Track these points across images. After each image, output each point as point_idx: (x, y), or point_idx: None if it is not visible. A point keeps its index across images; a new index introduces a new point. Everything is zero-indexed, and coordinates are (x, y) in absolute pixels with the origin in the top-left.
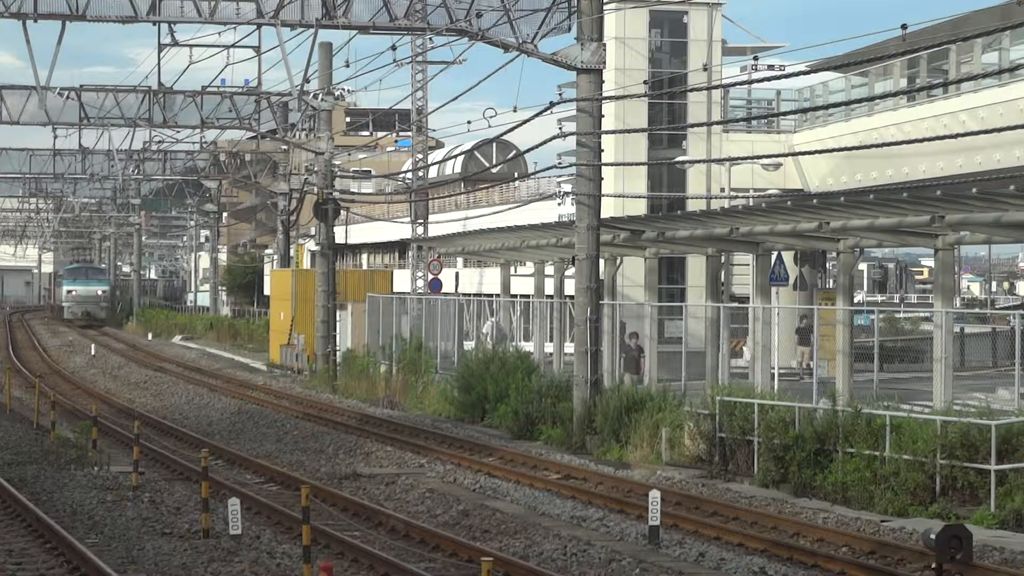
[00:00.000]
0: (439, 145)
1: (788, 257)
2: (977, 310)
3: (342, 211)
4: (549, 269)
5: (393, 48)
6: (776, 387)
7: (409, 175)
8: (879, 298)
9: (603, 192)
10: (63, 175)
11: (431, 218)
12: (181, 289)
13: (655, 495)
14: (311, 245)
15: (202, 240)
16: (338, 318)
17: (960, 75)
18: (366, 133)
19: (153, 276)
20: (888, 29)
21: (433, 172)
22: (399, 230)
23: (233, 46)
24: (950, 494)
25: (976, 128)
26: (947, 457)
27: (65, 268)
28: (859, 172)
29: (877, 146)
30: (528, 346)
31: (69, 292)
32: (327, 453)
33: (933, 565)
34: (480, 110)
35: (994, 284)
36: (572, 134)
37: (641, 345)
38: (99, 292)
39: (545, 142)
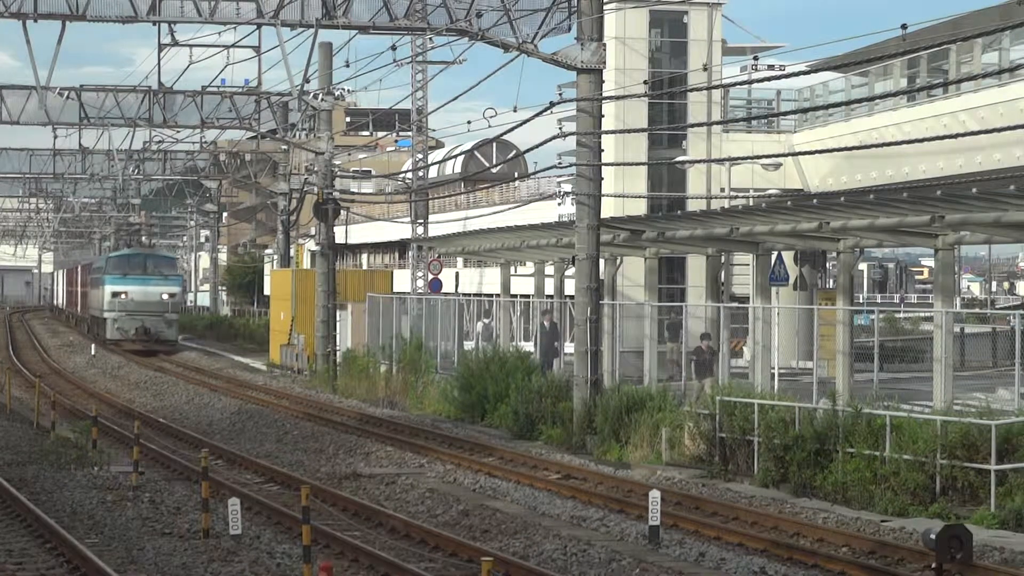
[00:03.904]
0: (439, 145)
1: (788, 257)
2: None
3: (342, 211)
4: (549, 269)
5: (393, 48)
6: (776, 387)
7: (409, 175)
8: (878, 298)
9: (603, 192)
10: (63, 175)
11: (431, 218)
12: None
13: (655, 495)
14: (311, 245)
15: (202, 240)
16: (338, 318)
17: (960, 75)
18: (366, 133)
19: None
20: (888, 29)
21: (433, 172)
22: (399, 230)
23: (233, 46)
24: (950, 494)
25: (976, 128)
26: (947, 457)
27: (108, 257)
28: (859, 172)
29: (877, 146)
30: (528, 346)
31: (116, 296)
32: (327, 453)
33: (933, 565)
34: (480, 110)
35: (994, 284)
36: (572, 134)
37: (714, 347)
38: (165, 296)
39: (545, 142)
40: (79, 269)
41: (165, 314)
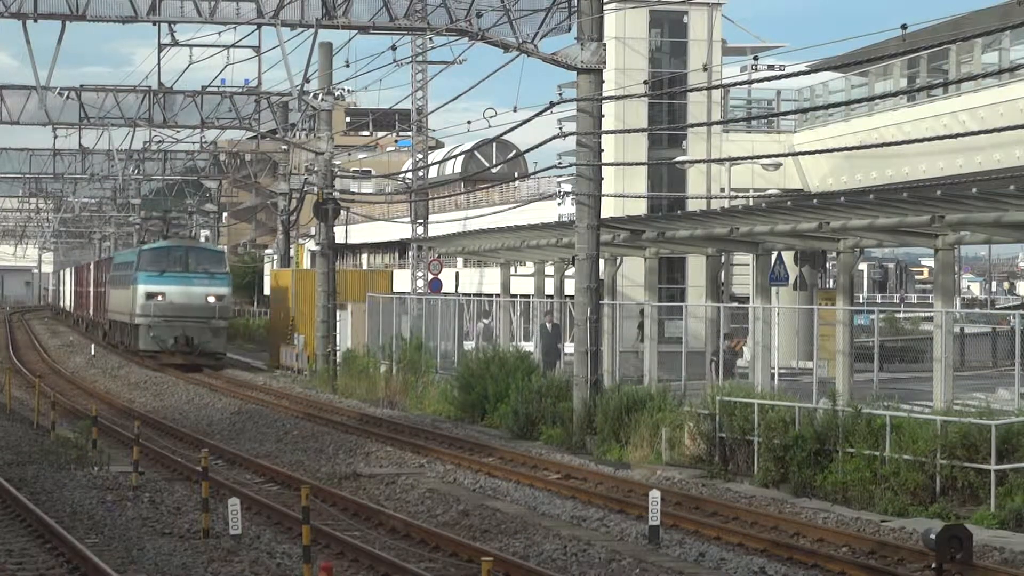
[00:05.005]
0: (439, 145)
1: (788, 257)
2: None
3: (342, 211)
4: (549, 269)
5: (393, 48)
6: (776, 387)
7: (409, 175)
8: (878, 298)
9: (603, 192)
10: (63, 175)
11: (431, 218)
12: None
13: (655, 495)
14: (311, 245)
15: (202, 240)
16: (338, 318)
17: (960, 75)
18: (366, 133)
19: None
20: (888, 29)
21: (433, 172)
22: (399, 230)
23: (233, 46)
24: (950, 494)
25: (976, 128)
26: (947, 457)
27: (142, 250)
28: (859, 172)
29: (877, 146)
30: (528, 346)
31: (152, 298)
32: (327, 453)
33: (933, 565)
34: (480, 110)
35: (994, 284)
36: (572, 134)
37: (734, 347)
38: (211, 298)
39: (545, 142)
40: (92, 266)
41: (211, 320)
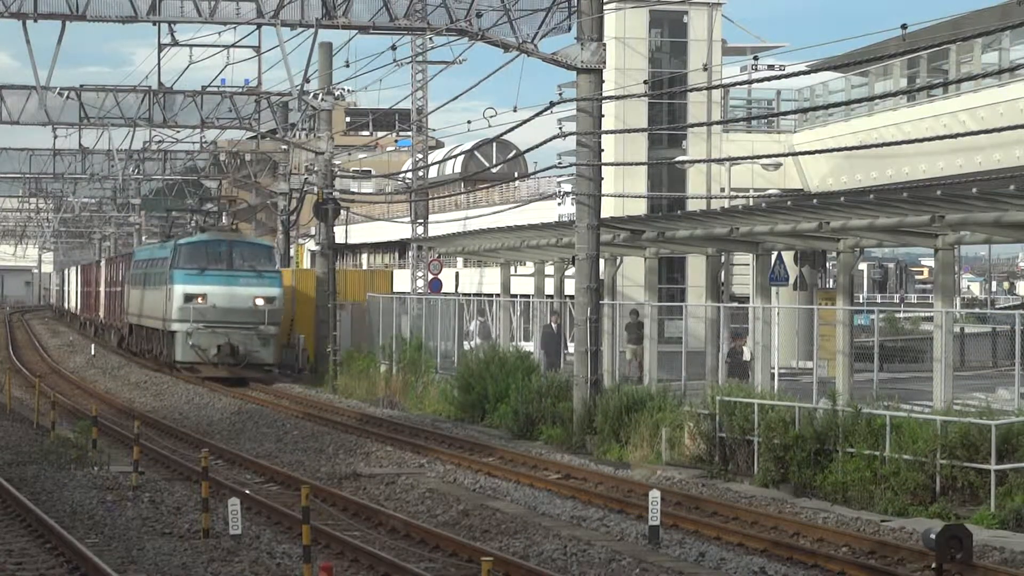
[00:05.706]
0: (439, 145)
1: (788, 257)
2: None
3: (342, 211)
4: (549, 269)
5: (393, 48)
6: (776, 387)
7: (409, 175)
8: (878, 298)
9: (603, 192)
10: (63, 175)
11: (431, 218)
12: None
13: (655, 495)
14: (311, 245)
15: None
16: (338, 318)
17: (960, 75)
18: (366, 133)
19: None
20: (888, 29)
21: (433, 172)
22: (399, 230)
23: (233, 46)
24: (950, 494)
25: (976, 128)
26: (947, 457)
27: (179, 244)
28: (859, 172)
29: (877, 146)
30: (528, 346)
31: (191, 300)
32: (327, 453)
33: (933, 565)
34: (480, 110)
35: (994, 284)
36: (572, 134)
37: (746, 348)
38: (259, 301)
39: (545, 142)
40: (103, 264)
41: (259, 326)
